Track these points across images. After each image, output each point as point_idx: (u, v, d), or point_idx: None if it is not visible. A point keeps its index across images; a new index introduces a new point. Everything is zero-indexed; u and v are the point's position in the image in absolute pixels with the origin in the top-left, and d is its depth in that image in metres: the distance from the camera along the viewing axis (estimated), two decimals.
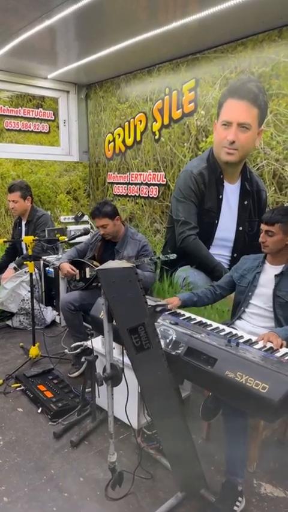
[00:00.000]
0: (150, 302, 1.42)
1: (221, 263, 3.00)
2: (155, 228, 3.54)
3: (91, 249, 2.91)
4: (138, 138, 3.57)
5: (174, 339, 1.59)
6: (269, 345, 1.65)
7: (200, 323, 1.90)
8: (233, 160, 2.80)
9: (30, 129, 3.86)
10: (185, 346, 1.53)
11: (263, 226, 1.97)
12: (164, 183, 3.36)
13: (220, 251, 3.01)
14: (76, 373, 2.72)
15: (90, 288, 2.86)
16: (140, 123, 3.52)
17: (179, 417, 1.58)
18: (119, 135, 3.79)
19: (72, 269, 2.77)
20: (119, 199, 3.90)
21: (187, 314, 2.02)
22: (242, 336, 1.77)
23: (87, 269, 2.78)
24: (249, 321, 2.11)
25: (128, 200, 3.79)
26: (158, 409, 1.57)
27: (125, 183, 3.78)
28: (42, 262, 3.63)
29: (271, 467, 1.95)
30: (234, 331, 1.83)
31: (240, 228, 2.85)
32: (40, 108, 3.90)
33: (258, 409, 1.30)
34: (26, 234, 3.62)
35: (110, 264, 1.33)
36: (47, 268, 3.64)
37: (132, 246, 2.78)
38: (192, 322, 1.89)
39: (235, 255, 2.91)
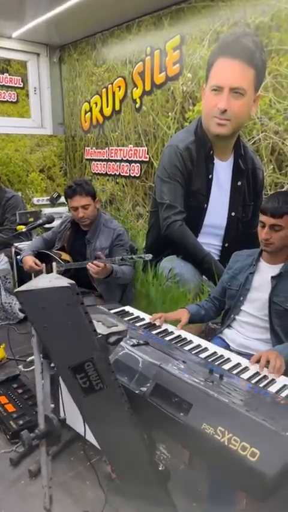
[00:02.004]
0: (101, 329, 1.03)
1: (211, 254, 2.61)
2: (138, 212, 3.13)
3: (59, 239, 2.52)
4: (117, 107, 3.10)
5: (140, 370, 1.22)
6: (264, 372, 1.28)
7: (178, 340, 1.52)
8: (225, 133, 2.36)
9: None
10: (152, 382, 1.17)
11: (267, 220, 1.56)
12: (147, 160, 2.93)
13: (209, 240, 2.61)
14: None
15: None
16: (119, 90, 3.05)
17: (151, 476, 1.23)
18: (96, 103, 3.31)
19: (36, 263, 2.38)
20: (98, 179, 3.47)
21: (164, 325, 1.64)
22: (228, 359, 1.40)
23: (54, 264, 2.38)
24: (240, 331, 1.74)
25: (108, 180, 3.35)
26: (123, 466, 1.22)
27: (104, 160, 3.34)
28: (13, 249, 3.25)
29: None
30: (219, 351, 1.46)
31: (233, 214, 2.44)
32: (5, 74, 3.39)
33: (244, 482, 0.94)
34: None
35: (39, 282, 0.94)
36: (19, 257, 3.26)
37: (106, 235, 2.39)
38: (168, 339, 1.52)
39: (226, 244, 2.52)
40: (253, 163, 2.27)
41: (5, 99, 3.42)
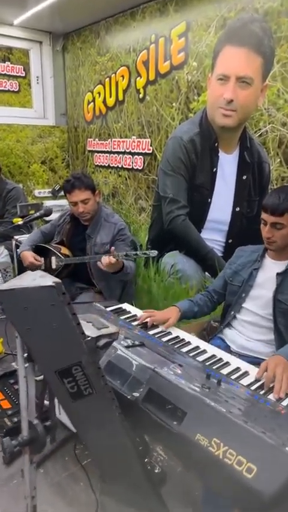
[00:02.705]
0: (91, 331, 0.97)
1: (214, 250, 2.53)
2: (140, 206, 3.05)
3: (58, 233, 2.45)
4: (120, 98, 3.01)
5: (133, 373, 1.15)
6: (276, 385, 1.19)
7: (175, 341, 1.46)
8: (231, 124, 2.27)
9: None
10: (146, 386, 1.10)
11: (268, 218, 1.48)
12: (150, 152, 2.84)
13: (213, 235, 2.53)
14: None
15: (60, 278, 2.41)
16: (123, 79, 2.95)
17: (144, 481, 1.17)
18: (99, 93, 3.22)
19: (36, 259, 2.31)
20: (100, 171, 3.39)
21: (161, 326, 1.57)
22: (227, 362, 1.33)
23: (53, 258, 2.33)
24: (241, 331, 1.67)
25: (110, 172, 3.27)
26: (114, 472, 1.16)
27: (107, 152, 3.26)
28: (14, 242, 3.20)
29: None
30: (218, 354, 1.39)
31: (237, 209, 2.36)
32: (7, 62, 3.31)
33: (239, 499, 0.88)
34: None
35: (22, 281, 0.87)
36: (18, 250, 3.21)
37: (107, 230, 2.32)
38: (166, 339, 1.45)
39: (230, 241, 2.43)
40: (259, 156, 2.18)
41: (7, 89, 3.34)
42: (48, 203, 3.54)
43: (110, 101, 3.12)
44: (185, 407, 1.00)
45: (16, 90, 3.40)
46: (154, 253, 1.91)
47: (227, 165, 2.36)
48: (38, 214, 2.44)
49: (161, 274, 2.96)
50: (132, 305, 3.17)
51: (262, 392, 1.17)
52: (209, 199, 2.49)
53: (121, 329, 1.44)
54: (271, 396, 1.15)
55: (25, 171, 3.51)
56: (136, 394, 1.09)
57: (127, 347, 1.27)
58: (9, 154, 3.37)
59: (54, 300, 0.85)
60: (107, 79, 3.10)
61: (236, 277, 1.70)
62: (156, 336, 1.47)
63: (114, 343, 1.25)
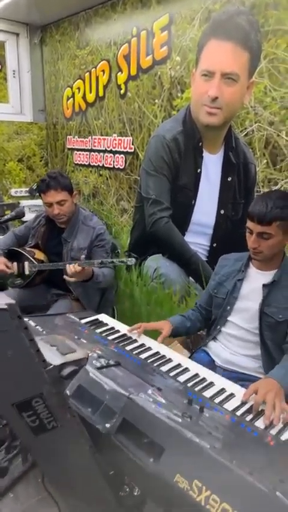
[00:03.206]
0: (54, 357, 0.84)
1: (198, 254, 2.42)
2: (122, 207, 2.92)
3: (33, 235, 2.30)
4: (100, 93, 2.87)
5: (105, 400, 1.03)
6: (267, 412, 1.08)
7: (155, 358, 1.33)
8: (215, 123, 2.15)
9: None
10: (119, 416, 0.98)
11: (254, 227, 1.37)
12: (132, 150, 2.71)
13: (197, 239, 2.42)
14: None
15: (33, 285, 2.27)
16: (103, 74, 2.81)
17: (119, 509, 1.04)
18: (78, 89, 3.07)
19: (7, 266, 2.16)
20: (80, 170, 3.24)
21: (141, 339, 1.45)
22: (211, 383, 1.21)
23: (26, 263, 2.18)
24: (226, 345, 1.56)
25: (91, 171, 3.13)
26: (83, 506, 1.04)
27: (87, 150, 3.11)
28: None
29: None
30: (202, 372, 1.27)
31: (222, 212, 2.25)
32: None
33: None
34: None
35: None
36: None
37: (85, 234, 2.18)
38: (144, 356, 1.33)
39: (215, 244, 2.33)
40: (245, 157, 2.07)
41: None
42: (25, 203, 3.38)
43: (90, 97, 2.98)
44: (163, 442, 0.89)
45: None
46: (132, 261, 1.78)
47: (212, 165, 2.25)
48: (8, 216, 2.28)
49: (143, 278, 2.84)
50: (114, 311, 3.08)
51: (249, 418, 1.06)
52: (193, 201, 2.37)
53: (95, 346, 1.31)
54: (259, 422, 1.04)
55: (0, 169, 3.33)
56: (108, 425, 0.97)
57: (100, 368, 1.14)
58: None
59: (6, 325, 0.72)
60: (87, 74, 2.96)
61: (220, 288, 1.59)
62: (135, 352, 1.35)
63: (91, 360, 1.12)
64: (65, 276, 1.92)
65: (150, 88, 2.48)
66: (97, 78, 2.87)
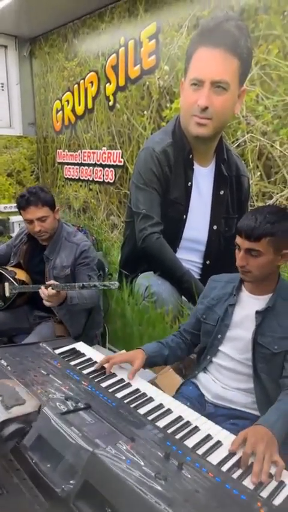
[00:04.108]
0: None
1: (190, 271, 2.28)
2: (112, 222, 2.79)
3: (15, 254, 2.17)
4: (89, 106, 2.77)
5: (66, 456, 0.88)
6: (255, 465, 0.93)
7: (133, 397, 1.18)
8: (206, 134, 2.04)
9: None
10: (81, 477, 0.82)
11: (242, 243, 1.24)
12: (121, 164, 2.60)
13: (189, 256, 2.28)
14: None
15: (14, 307, 2.13)
16: (92, 86, 2.72)
17: None
18: (67, 101, 2.98)
19: None
20: (70, 184, 3.13)
21: (120, 373, 1.30)
22: (195, 427, 1.06)
23: (7, 285, 2.04)
24: (217, 377, 1.40)
25: (81, 186, 3.02)
26: None
27: (77, 164, 3.00)
28: None
29: None
30: (186, 415, 1.12)
31: (215, 227, 2.12)
32: None
33: None
34: None
35: None
36: None
37: (68, 251, 2.05)
38: (121, 395, 1.17)
39: (208, 262, 2.19)
40: (237, 169, 1.95)
41: None
42: (14, 219, 3.27)
43: (79, 109, 2.88)
44: None
45: None
46: (115, 284, 1.64)
47: (203, 179, 2.13)
48: None
49: (135, 297, 2.70)
50: (106, 331, 2.93)
51: (237, 474, 0.90)
52: (184, 216, 2.24)
53: (66, 382, 1.16)
54: (247, 481, 0.88)
55: None
56: (67, 488, 0.81)
57: (66, 413, 0.99)
58: None
59: None
60: (76, 86, 2.86)
61: (210, 314, 1.44)
62: (111, 390, 1.20)
63: (46, 409, 0.98)
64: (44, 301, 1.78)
65: (139, 99, 2.38)
66: (86, 90, 2.78)
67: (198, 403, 1.39)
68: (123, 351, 2.12)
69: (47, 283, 1.80)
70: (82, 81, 2.79)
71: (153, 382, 2.14)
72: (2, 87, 3.22)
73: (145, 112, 2.36)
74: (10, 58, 3.21)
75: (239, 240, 1.26)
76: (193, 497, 0.78)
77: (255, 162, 1.86)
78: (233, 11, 1.82)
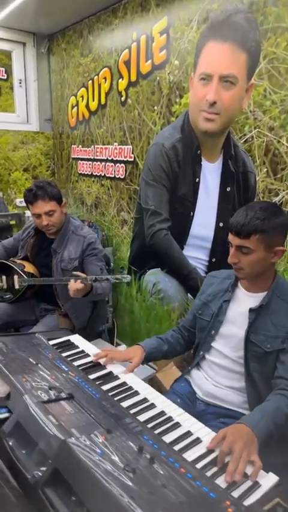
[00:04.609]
0: None
1: (197, 269, 2.26)
2: (122, 218, 2.80)
3: (22, 247, 2.21)
4: (102, 101, 2.78)
5: (39, 444, 0.89)
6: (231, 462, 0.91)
7: (119, 390, 1.18)
8: (214, 129, 2.01)
9: None
10: (51, 465, 0.83)
11: (233, 239, 1.22)
12: (132, 159, 2.60)
13: (195, 253, 2.26)
14: None
15: (22, 300, 2.18)
16: (105, 81, 2.73)
17: None
18: (82, 97, 3.00)
19: None
20: (83, 180, 3.16)
21: (110, 366, 1.31)
22: (177, 423, 1.05)
23: (16, 277, 2.08)
24: (210, 374, 1.39)
25: (93, 181, 3.04)
26: None
27: (90, 160, 3.03)
28: None
29: None
30: (169, 410, 1.11)
31: (221, 224, 2.09)
32: None
33: None
34: None
35: None
36: None
37: (75, 244, 2.07)
38: (107, 388, 1.18)
39: (214, 259, 2.16)
40: (244, 165, 1.91)
41: None
42: (29, 213, 3.32)
43: (93, 105, 2.90)
44: (90, 504, 0.74)
45: None
46: (127, 278, 1.65)
47: (210, 175, 2.10)
48: None
49: (142, 293, 2.70)
50: (114, 325, 2.94)
51: (211, 473, 0.89)
52: (192, 213, 2.22)
53: (53, 373, 1.18)
54: (221, 480, 0.87)
55: (5, 179, 3.30)
56: (38, 474, 0.83)
57: (47, 402, 1.00)
58: None
59: None
60: (90, 81, 2.88)
61: (205, 309, 1.42)
62: (98, 382, 1.20)
63: (27, 397, 0.99)
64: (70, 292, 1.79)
65: (150, 94, 2.37)
66: (99, 85, 2.79)
67: (189, 400, 1.38)
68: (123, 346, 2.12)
69: (75, 273, 1.81)
70: (96, 77, 2.81)
71: (154, 377, 2.15)
72: (20, 83, 3.27)
73: (155, 107, 2.34)
74: (28, 55, 3.26)
75: (230, 236, 1.24)
76: (159, 491, 0.77)
77: (261, 158, 1.82)
78: (242, 3, 1.79)
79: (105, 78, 2.73)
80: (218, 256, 2.14)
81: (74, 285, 1.76)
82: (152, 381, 2.13)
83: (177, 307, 2.42)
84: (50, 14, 2.87)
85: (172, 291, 2.45)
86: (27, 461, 0.87)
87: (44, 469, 0.83)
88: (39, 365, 1.21)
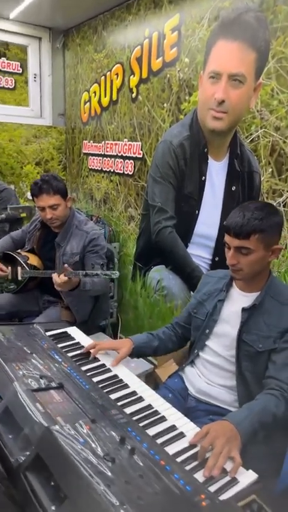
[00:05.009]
0: None
1: (200, 267, 2.26)
2: (129, 214, 2.82)
3: (29, 240, 2.25)
4: (114, 97, 2.80)
5: (24, 429, 0.92)
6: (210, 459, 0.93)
7: (109, 382, 1.21)
8: (221, 128, 2.00)
9: None
10: (34, 450, 0.86)
11: (232, 241, 1.22)
12: (141, 156, 2.61)
13: (199, 251, 2.26)
14: None
15: (26, 291, 2.22)
16: (117, 78, 2.74)
17: None
18: (94, 93, 3.03)
19: (1, 269, 2.12)
20: (93, 175, 3.19)
21: (104, 358, 1.33)
22: (162, 417, 1.07)
23: (19, 269, 2.12)
24: (203, 372, 1.40)
25: (103, 177, 3.06)
26: None
27: (100, 155, 3.05)
28: None
29: None
30: (156, 404, 1.13)
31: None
32: (3, 58, 3.17)
33: None
34: None
35: None
36: None
37: (78, 239, 2.10)
38: (97, 379, 1.20)
39: (217, 258, 2.16)
40: (250, 165, 1.90)
41: (1, 85, 3.20)
42: None
43: (105, 101, 2.92)
44: (67, 489, 0.76)
45: (12, 87, 3.25)
46: (116, 274, 1.67)
47: (216, 173, 2.10)
48: None
49: (147, 289, 2.72)
50: (119, 320, 2.97)
51: (190, 467, 0.91)
52: (197, 211, 2.22)
53: (46, 362, 1.21)
54: (199, 475, 0.88)
55: (18, 172, 3.35)
56: (21, 459, 0.85)
57: (36, 390, 1.03)
58: (1, 153, 3.22)
59: None
60: (103, 77, 2.90)
61: (200, 308, 1.43)
62: (89, 373, 1.23)
63: (16, 384, 1.02)
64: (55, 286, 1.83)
65: (160, 91, 2.37)
66: (111, 81, 2.81)
67: (181, 395, 1.39)
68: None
69: (65, 266, 1.85)
70: (109, 73, 2.83)
71: (153, 373, 2.17)
72: (35, 78, 3.32)
73: (165, 104, 2.35)
74: (44, 50, 3.30)
75: (227, 238, 1.24)
76: (135, 480, 0.79)
77: (267, 158, 1.81)
78: (253, 2, 1.77)
79: (117, 74, 2.75)
80: (221, 255, 2.13)
81: (56, 278, 1.78)
82: (150, 376, 2.15)
83: (180, 305, 2.43)
84: (66, 10, 2.90)
85: (175, 289, 2.46)
86: (13, 445, 0.90)
87: (27, 453, 0.86)
88: (34, 354, 1.24)
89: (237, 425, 0.99)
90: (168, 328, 1.53)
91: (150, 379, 2.14)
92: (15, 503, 0.84)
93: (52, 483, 0.79)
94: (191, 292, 2.36)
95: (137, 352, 1.39)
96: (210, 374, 1.37)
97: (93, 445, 0.87)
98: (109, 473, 0.79)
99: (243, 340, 1.28)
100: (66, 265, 1.81)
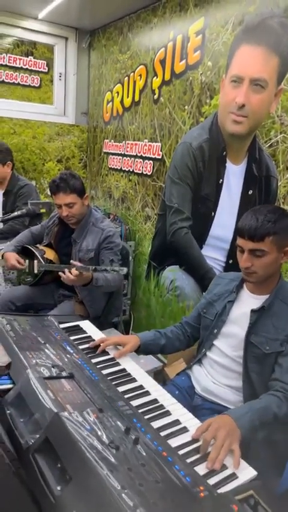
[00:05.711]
0: None
1: (213, 269, 2.28)
2: (146, 214, 2.86)
3: (47, 235, 2.31)
4: (136, 98, 2.84)
5: (35, 414, 0.97)
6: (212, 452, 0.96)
7: (118, 375, 1.25)
8: (241, 132, 2.02)
9: (17, 82, 3.24)
10: (43, 433, 0.91)
11: (245, 244, 1.24)
12: (160, 157, 2.64)
13: (213, 253, 2.28)
14: None
15: (42, 284, 2.28)
16: (140, 79, 2.78)
17: None
18: (117, 93, 3.07)
19: (19, 262, 2.19)
20: (113, 174, 3.24)
21: (113, 352, 1.37)
22: (167, 412, 1.10)
23: (35, 262, 2.19)
24: (209, 371, 1.43)
25: (122, 176, 3.11)
26: None
27: (120, 155, 3.10)
28: None
29: None
30: (162, 399, 1.16)
31: None
32: (30, 57, 3.25)
33: None
34: (4, 206, 3.10)
35: None
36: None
37: (94, 235, 2.14)
38: (106, 372, 1.24)
39: (231, 261, 2.18)
40: (267, 169, 1.91)
41: (28, 84, 3.28)
42: None
43: (127, 101, 2.96)
44: (73, 471, 0.80)
45: (37, 85, 3.33)
46: (123, 270, 1.70)
47: (234, 177, 2.11)
48: (18, 213, 2.32)
49: (160, 289, 2.75)
50: (131, 317, 3.01)
51: (191, 460, 0.94)
52: (213, 213, 2.24)
53: (58, 353, 1.25)
54: (200, 468, 0.91)
55: (39, 168, 3.43)
56: (31, 441, 0.90)
57: (48, 378, 1.08)
58: (24, 150, 3.31)
59: None
60: (126, 78, 2.95)
61: (210, 309, 1.45)
62: (99, 366, 1.27)
63: (30, 371, 1.07)
64: (63, 279, 1.88)
65: (182, 94, 2.40)
66: (134, 82, 2.85)
67: (187, 393, 1.42)
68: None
69: (72, 262, 1.90)
70: (132, 74, 2.87)
71: (162, 371, 2.20)
72: (60, 77, 3.39)
73: (186, 107, 2.38)
74: (70, 49, 3.36)
75: (241, 241, 1.26)
76: (137, 468, 0.83)
77: (285, 164, 1.82)
78: (278, 7, 1.78)
79: (140, 75, 2.79)
80: (235, 257, 2.14)
81: (67, 274, 1.83)
82: (159, 374, 2.18)
83: (192, 306, 2.46)
84: (93, 11, 2.95)
85: (188, 289, 2.48)
86: (24, 428, 0.95)
87: (36, 436, 0.90)
88: (47, 344, 1.29)
89: (236, 420, 1.02)
90: (177, 327, 1.56)
91: (159, 376, 2.17)
92: (23, 482, 0.89)
93: (59, 465, 0.84)
94: (204, 294, 2.38)
95: (143, 350, 1.42)
96: (217, 374, 1.40)
97: (99, 433, 0.91)
98: (113, 460, 0.83)
99: (251, 342, 1.30)
100: (72, 261, 1.87)
